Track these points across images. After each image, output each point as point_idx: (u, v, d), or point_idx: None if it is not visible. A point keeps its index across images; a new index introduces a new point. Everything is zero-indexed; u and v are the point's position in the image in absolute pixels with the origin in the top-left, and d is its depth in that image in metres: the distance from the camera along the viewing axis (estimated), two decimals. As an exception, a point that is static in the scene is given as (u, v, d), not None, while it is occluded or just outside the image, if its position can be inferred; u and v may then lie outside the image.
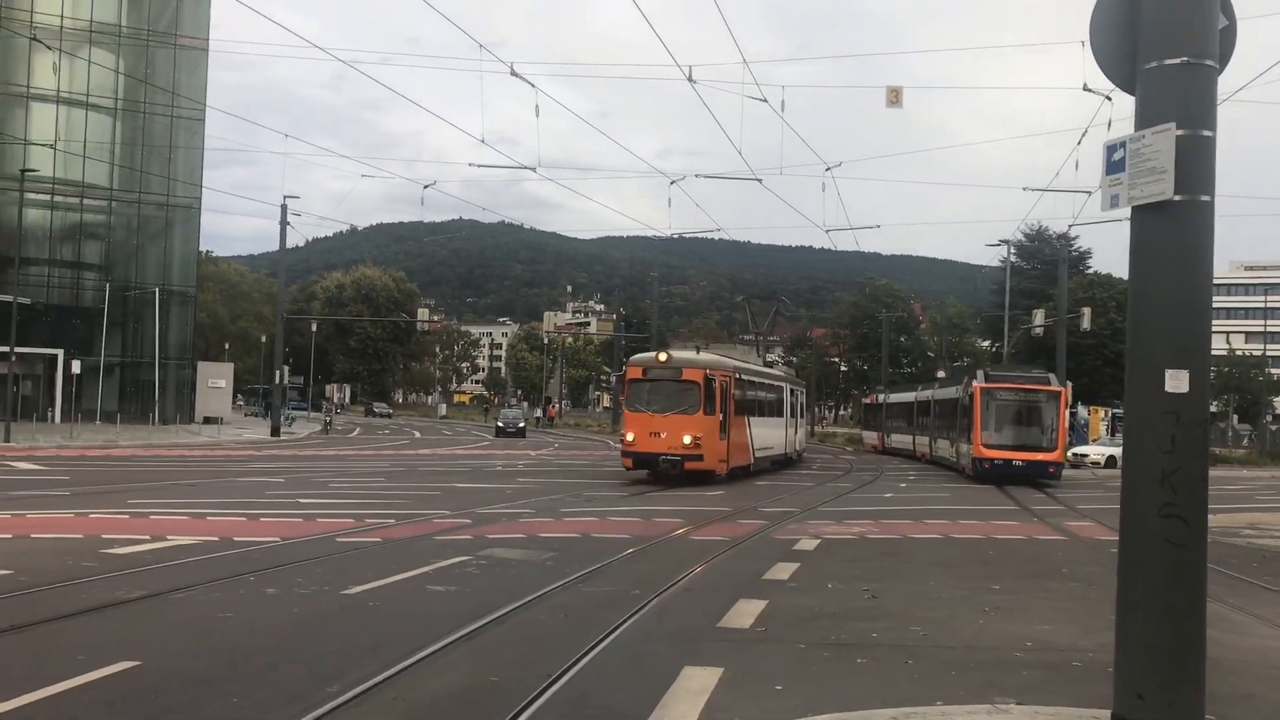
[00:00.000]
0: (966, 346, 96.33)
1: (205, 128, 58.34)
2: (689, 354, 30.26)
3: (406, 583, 11.14)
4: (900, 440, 51.91)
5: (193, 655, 7.81)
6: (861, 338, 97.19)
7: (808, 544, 15.44)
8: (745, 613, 9.78)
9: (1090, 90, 23.28)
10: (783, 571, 12.55)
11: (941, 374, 48.56)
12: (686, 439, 26.77)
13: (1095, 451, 45.80)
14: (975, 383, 34.45)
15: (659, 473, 27.12)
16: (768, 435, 35.01)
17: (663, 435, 26.91)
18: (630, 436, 27.57)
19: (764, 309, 56.48)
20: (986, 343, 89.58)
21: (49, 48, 41.69)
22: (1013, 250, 63.95)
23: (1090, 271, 77.64)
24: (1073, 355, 50.65)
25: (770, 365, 47.03)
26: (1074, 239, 73.49)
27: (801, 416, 46.33)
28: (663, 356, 28.70)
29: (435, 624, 8.90)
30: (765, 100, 23.97)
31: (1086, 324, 48.18)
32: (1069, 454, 40.70)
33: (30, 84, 53.50)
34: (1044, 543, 17.16)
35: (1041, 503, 25.72)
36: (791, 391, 41.01)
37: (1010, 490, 29.40)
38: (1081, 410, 53.93)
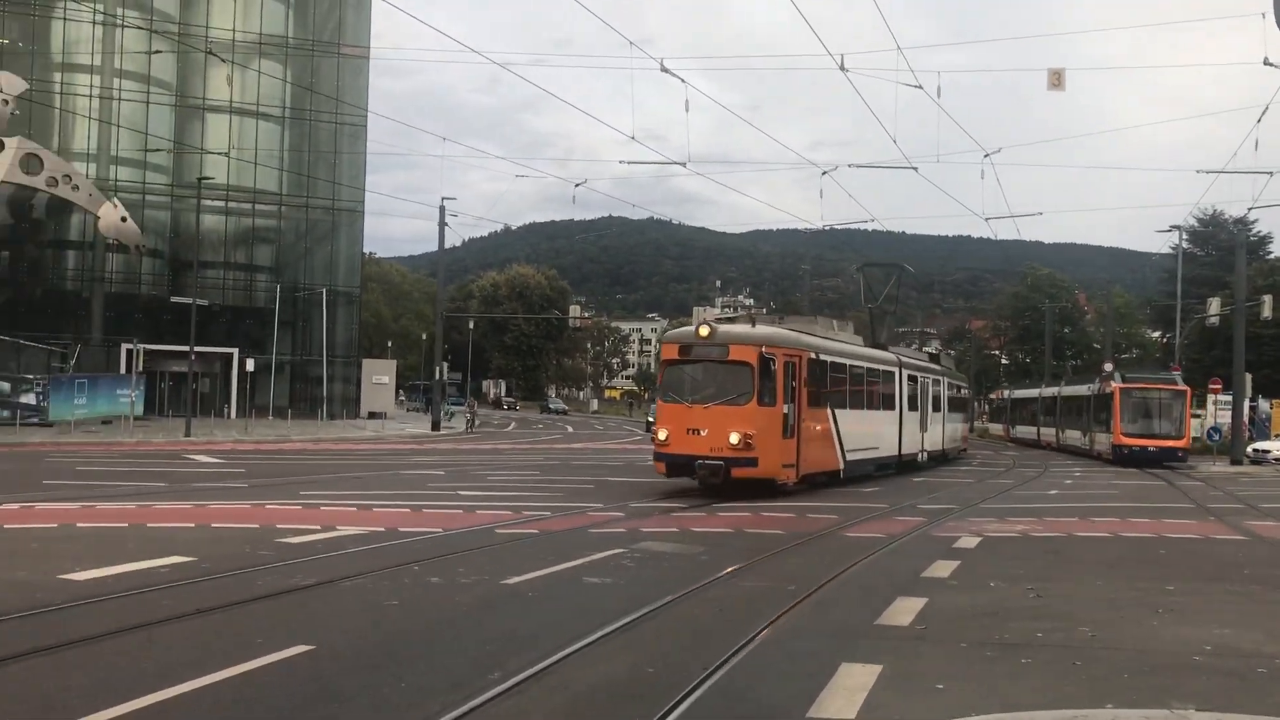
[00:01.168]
0: (1135, 337, 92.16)
1: (367, 133, 60.49)
2: (741, 327, 23.21)
3: (563, 574, 11.32)
4: (1025, 431, 60.33)
5: (362, 640, 8.11)
6: (1023, 329, 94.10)
7: (968, 541, 15.05)
8: (904, 610, 9.60)
9: (1272, 65, 21.99)
10: (942, 569, 12.26)
11: (1108, 366, 47.23)
12: (734, 437, 20.42)
13: (1278, 448, 43.74)
14: (1114, 383, 41.61)
15: (702, 481, 21.01)
16: (868, 433, 27.65)
17: (703, 433, 20.76)
18: (663, 434, 21.32)
19: (919, 301, 53.07)
20: (1156, 333, 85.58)
21: (223, 61, 43.84)
22: (1185, 236, 61.03)
23: (1271, 257, 73.28)
24: (1252, 346, 47.79)
25: (910, 350, 39.40)
26: (1253, 223, 69.60)
27: (961, 411, 43.49)
28: (704, 330, 21.70)
29: (592, 615, 9.02)
30: (920, 87, 23.48)
31: (1267, 312, 45.42)
32: (1249, 449, 42.85)
33: (206, 96, 56.41)
34: (1223, 542, 16.31)
35: (1220, 500, 24.45)
36: (912, 378, 32.34)
37: (1184, 486, 28.11)
38: (1263, 404, 51.14)
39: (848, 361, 26.61)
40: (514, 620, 8.98)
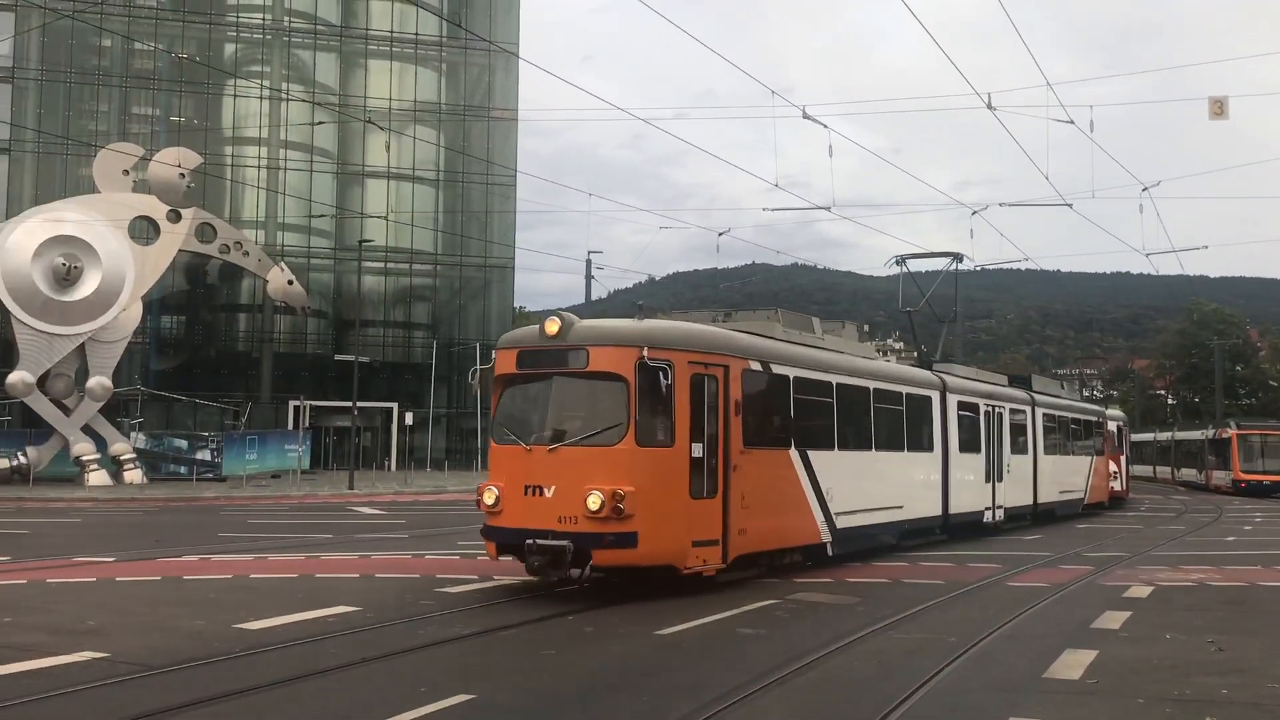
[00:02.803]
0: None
1: (516, 192, 62.22)
2: (616, 321, 14.41)
3: (717, 625, 11.26)
4: (1141, 469, 63.88)
5: (522, 691, 8.23)
6: (1190, 368, 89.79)
7: (1139, 591, 14.36)
8: (1073, 663, 9.21)
9: None
10: (1113, 620, 11.73)
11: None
12: (594, 500, 12.49)
13: None
14: (1230, 430, 50.09)
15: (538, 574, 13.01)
16: (879, 485, 18.80)
17: (548, 492, 12.82)
18: (491, 496, 13.38)
19: (1078, 340, 51.01)
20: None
21: (381, 128, 45.81)
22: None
23: None
24: None
25: (974, 370, 27.73)
26: None
27: (1090, 452, 33.55)
28: (553, 325, 13.38)
29: (748, 666, 8.95)
30: (1072, 122, 22.87)
31: None
32: None
33: (365, 163, 59.03)
34: None
35: None
36: (969, 407, 23.02)
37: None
38: None
39: (834, 379, 17.17)
40: (670, 671, 8.97)
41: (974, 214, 31.38)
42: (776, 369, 15.56)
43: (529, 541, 12.64)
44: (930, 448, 20.92)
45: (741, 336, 15.25)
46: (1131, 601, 13.35)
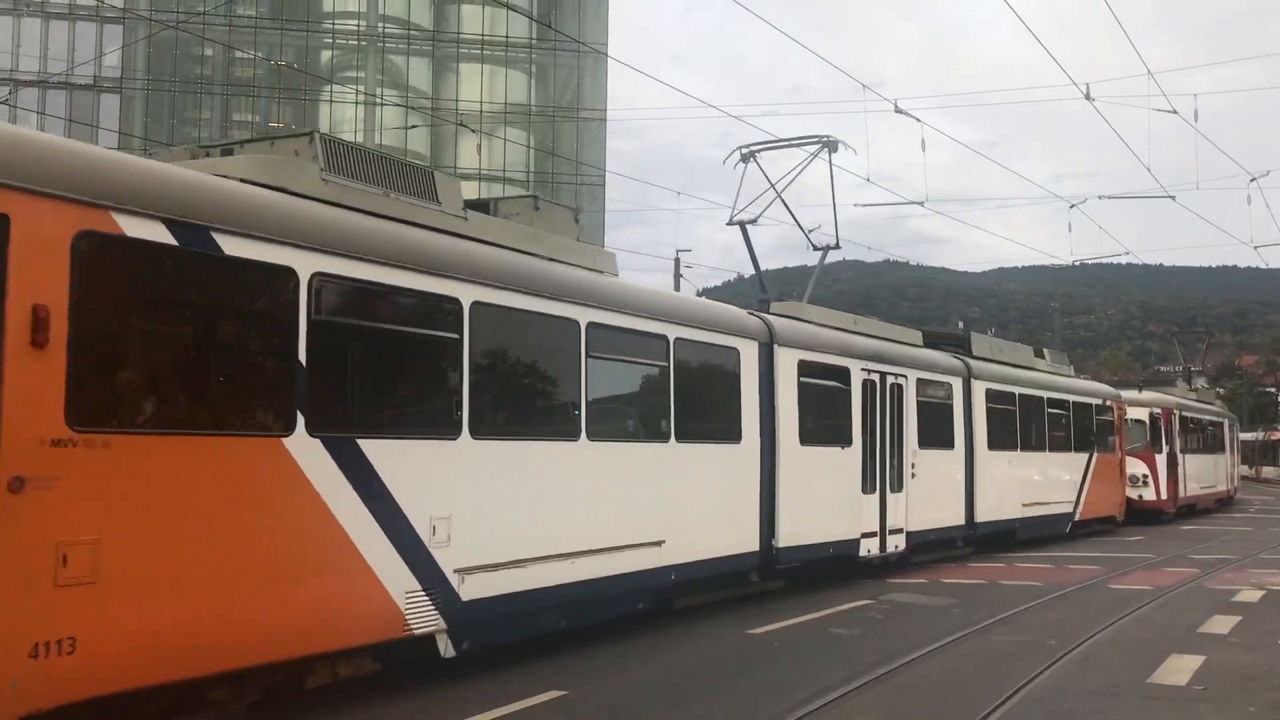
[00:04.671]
0: None
1: (605, 192, 62.52)
2: None
3: (810, 624, 11.18)
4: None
5: (611, 687, 8.29)
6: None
7: (1249, 595, 13.86)
8: (1179, 669, 8.93)
9: None
10: (1221, 625, 11.34)
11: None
12: None
13: None
14: (1278, 433, 53.32)
15: None
16: (591, 515, 9.94)
17: None
18: None
19: (1181, 336, 49.02)
20: None
21: (472, 131, 46.41)
22: None
23: None
24: None
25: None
26: None
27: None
28: None
29: (840, 667, 8.86)
30: (1175, 112, 22.15)
31: None
32: None
33: (456, 164, 59.87)
34: None
35: None
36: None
37: None
38: None
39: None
40: (760, 670, 8.93)
41: (1071, 207, 30.54)
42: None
43: None
44: (737, 438, 12.27)
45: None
46: (1241, 606, 12.90)
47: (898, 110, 21.97)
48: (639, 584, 10.38)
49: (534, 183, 61.30)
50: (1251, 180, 27.99)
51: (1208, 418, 34.00)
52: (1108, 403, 24.82)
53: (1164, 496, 28.17)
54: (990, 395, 18.91)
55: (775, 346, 13.10)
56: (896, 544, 15.55)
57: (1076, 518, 22.37)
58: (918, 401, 16.38)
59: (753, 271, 18.46)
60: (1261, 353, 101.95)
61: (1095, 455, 23.34)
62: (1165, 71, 31.47)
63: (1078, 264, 47.95)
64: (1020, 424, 20.06)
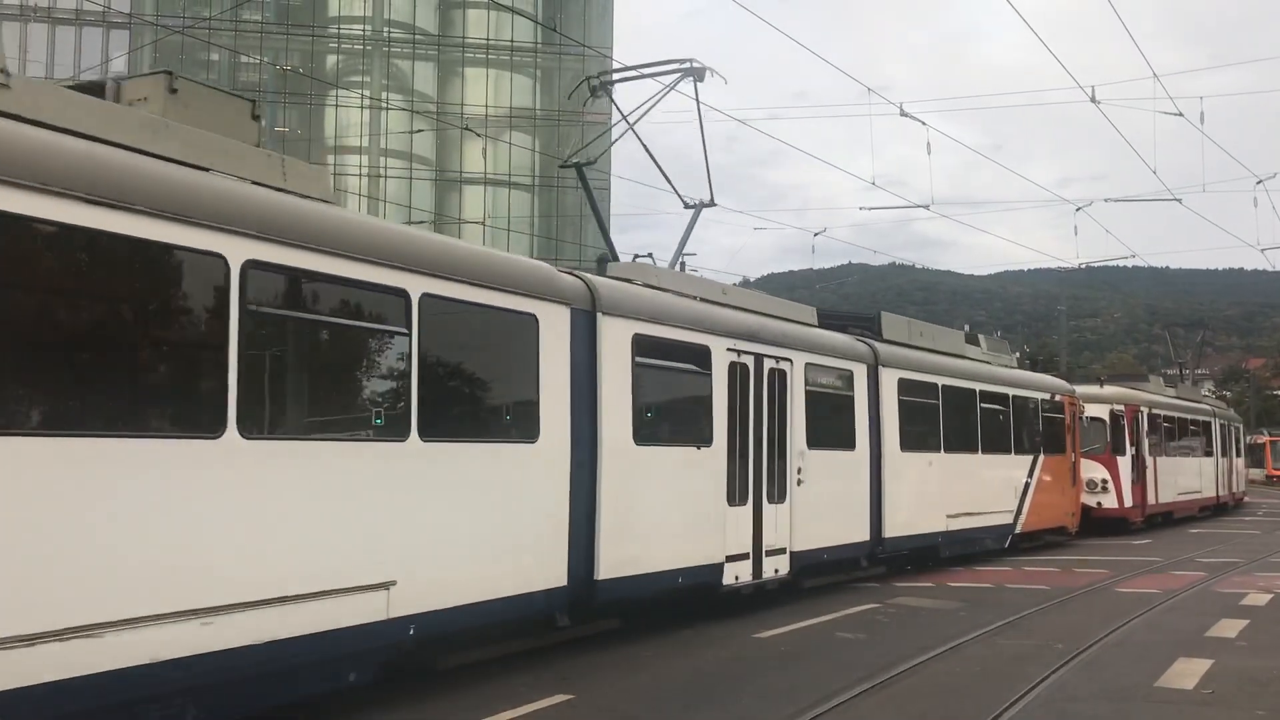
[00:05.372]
0: None
1: (610, 196, 62.53)
2: None
3: (816, 628, 11.17)
4: None
5: (619, 691, 8.30)
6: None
7: (1257, 599, 13.83)
8: (1187, 672, 8.92)
9: None
10: (1229, 629, 11.32)
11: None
12: None
13: None
14: (1264, 437, 57.72)
15: None
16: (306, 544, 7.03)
17: None
18: None
19: (1187, 339, 47.89)
20: None
21: (478, 135, 46.48)
22: None
23: None
24: None
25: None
26: None
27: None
28: None
29: (847, 671, 8.85)
30: (1181, 114, 22.15)
31: None
32: None
33: (462, 169, 59.97)
34: None
35: None
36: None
37: None
38: None
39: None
40: (767, 674, 8.93)
41: (1078, 210, 30.52)
42: None
43: None
44: (532, 434, 9.14)
45: None
46: (1249, 609, 12.87)
47: (903, 114, 21.97)
48: (344, 647, 7.17)
49: (539, 186, 61.42)
50: (1258, 183, 27.96)
51: (1189, 416, 30.57)
52: (1058, 398, 21.66)
53: (1128, 504, 25.06)
54: (905, 386, 15.91)
55: (598, 315, 10.00)
56: (776, 567, 12.42)
57: (1018, 530, 19.23)
58: (807, 392, 13.24)
59: (758, 276, 18.36)
60: (1268, 356, 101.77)
61: (1041, 458, 20.29)
62: (1171, 74, 31.46)
63: (1084, 267, 47.84)
64: (945, 420, 16.99)
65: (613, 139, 15.90)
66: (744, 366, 12.08)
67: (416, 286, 7.84)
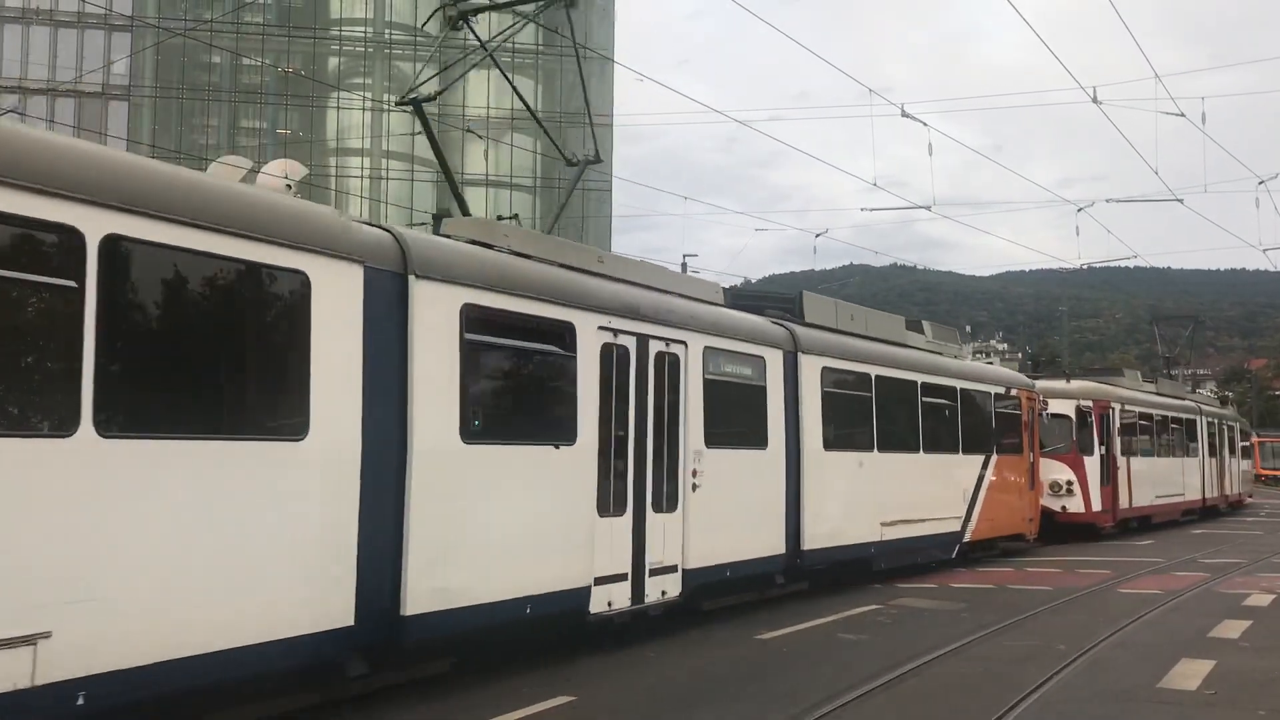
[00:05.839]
0: None
1: (612, 197, 62.63)
2: None
3: (817, 629, 11.17)
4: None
5: (622, 692, 8.29)
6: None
7: (1260, 599, 13.82)
8: (1190, 673, 8.91)
9: None
10: (1231, 629, 11.31)
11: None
12: None
13: None
14: (1254, 438, 55.39)
15: None
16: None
17: None
18: None
19: (1190, 340, 46.81)
20: None
21: (479, 136, 46.50)
22: None
23: None
24: None
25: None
26: None
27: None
28: None
29: (849, 672, 8.85)
30: (1182, 115, 22.16)
31: None
32: None
33: (464, 170, 60.02)
34: None
35: None
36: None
37: None
38: None
39: None
40: (770, 676, 8.93)
41: (1079, 211, 30.54)
42: None
43: None
44: (297, 431, 7.06)
45: None
46: (1251, 610, 12.86)
47: (905, 114, 21.98)
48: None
49: (540, 188, 61.48)
50: (1260, 183, 27.98)
51: (1170, 413, 28.42)
52: (1013, 391, 19.74)
53: (1096, 508, 23.08)
54: (831, 376, 13.98)
55: (411, 279, 7.92)
56: (664, 589, 10.50)
57: (967, 538, 17.35)
58: (707, 381, 11.35)
59: (759, 277, 17.44)
60: (1270, 356, 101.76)
61: (994, 458, 18.33)
62: (1172, 75, 31.48)
63: (1085, 267, 47.85)
64: (879, 416, 15.01)
65: (466, 70, 15.01)
66: (622, 349, 10.11)
67: (96, 225, 5.81)
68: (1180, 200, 27.92)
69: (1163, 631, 11.36)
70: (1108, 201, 35.24)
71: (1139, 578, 16.39)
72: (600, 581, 9.54)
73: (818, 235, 37.69)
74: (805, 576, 13.61)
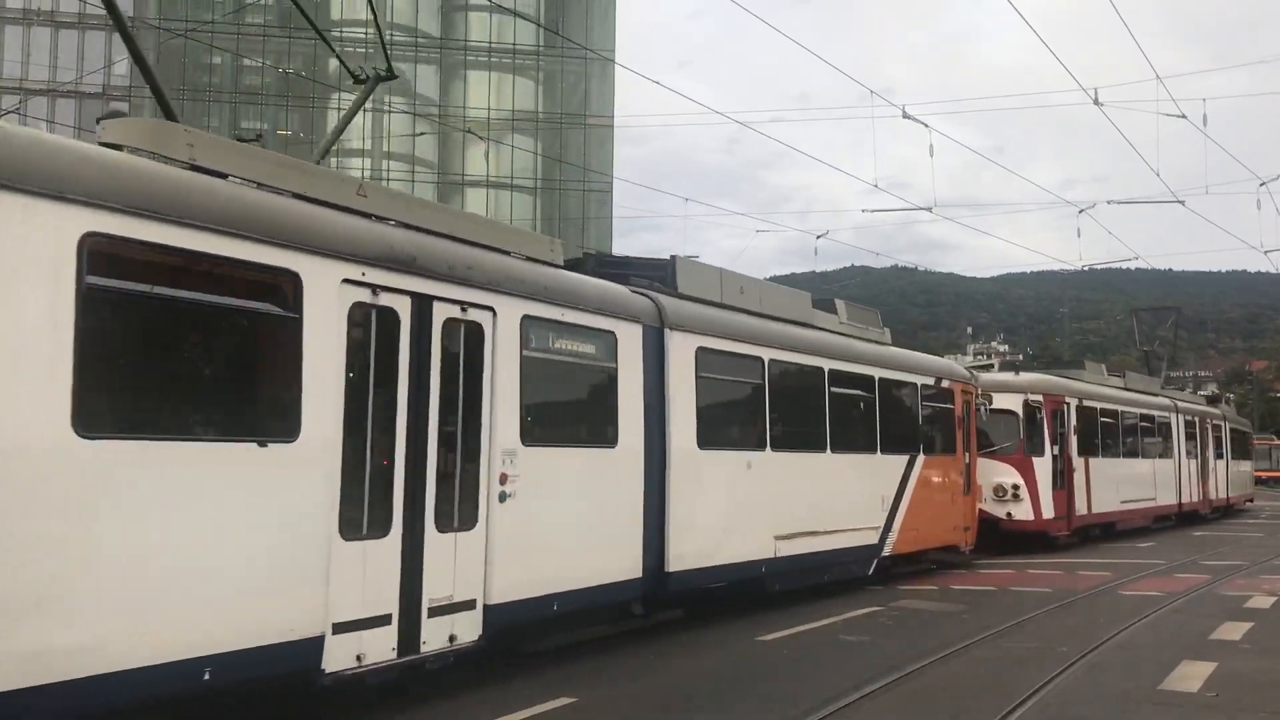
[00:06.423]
0: None
1: (613, 198, 62.67)
2: None
3: (819, 631, 11.16)
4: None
5: (622, 694, 8.28)
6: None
7: (1261, 601, 13.80)
8: (1191, 675, 8.90)
9: None
10: (1233, 631, 11.30)
11: None
12: None
13: None
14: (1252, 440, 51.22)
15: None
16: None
17: None
18: None
19: (1191, 341, 47.11)
20: None
21: (480, 138, 46.53)
22: None
23: None
24: None
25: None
26: None
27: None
28: None
29: (850, 674, 8.84)
30: (1184, 116, 22.14)
31: None
32: None
33: (465, 172, 60.08)
34: None
35: None
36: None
37: None
38: None
39: None
40: (770, 677, 8.91)
41: (1080, 212, 30.52)
42: None
43: None
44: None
45: None
46: (1253, 612, 12.85)
47: (906, 116, 21.98)
48: None
49: (541, 189, 61.51)
50: (1261, 185, 27.97)
51: (1138, 410, 25.92)
52: (945, 383, 17.15)
53: (1048, 514, 20.58)
54: (709, 359, 11.49)
55: (15, 197, 5.41)
56: (454, 632, 7.98)
57: (887, 551, 14.95)
58: (525, 359, 8.85)
59: (760, 278, 14.41)
60: (1272, 358, 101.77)
61: (921, 459, 15.90)
62: (1173, 76, 31.45)
63: (1087, 269, 47.92)
64: (773, 408, 12.57)
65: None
66: (387, 313, 7.62)
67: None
68: (1182, 202, 27.90)
69: (1164, 633, 11.34)
70: (1109, 203, 35.24)
71: (1140, 579, 16.37)
72: (341, 629, 7.02)
73: (819, 237, 37.90)
74: (675, 603, 11.39)
